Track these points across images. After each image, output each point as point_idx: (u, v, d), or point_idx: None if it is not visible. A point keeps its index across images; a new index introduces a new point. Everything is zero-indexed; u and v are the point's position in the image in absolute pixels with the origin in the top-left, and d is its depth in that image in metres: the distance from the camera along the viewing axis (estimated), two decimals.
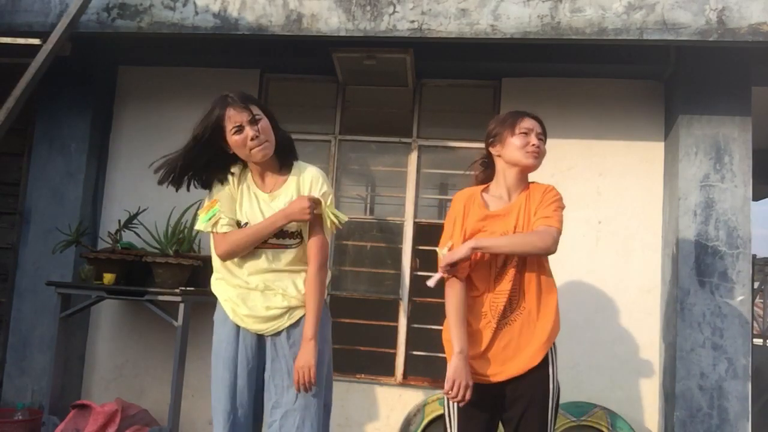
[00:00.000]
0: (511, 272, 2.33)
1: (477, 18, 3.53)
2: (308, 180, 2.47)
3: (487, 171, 2.54)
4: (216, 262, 2.55)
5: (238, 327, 2.49)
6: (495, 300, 2.33)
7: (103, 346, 4.40)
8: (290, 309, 2.44)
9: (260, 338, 2.48)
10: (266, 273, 2.45)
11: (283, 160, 2.48)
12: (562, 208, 2.39)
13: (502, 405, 2.34)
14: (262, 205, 2.46)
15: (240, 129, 2.34)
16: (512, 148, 2.39)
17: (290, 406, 2.38)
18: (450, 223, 2.45)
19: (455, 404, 2.36)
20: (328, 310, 2.62)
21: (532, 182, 2.47)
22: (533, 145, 2.37)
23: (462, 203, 2.44)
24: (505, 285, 2.33)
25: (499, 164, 2.45)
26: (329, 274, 2.60)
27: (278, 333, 2.44)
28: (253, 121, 2.35)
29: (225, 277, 2.55)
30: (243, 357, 2.47)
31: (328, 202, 2.46)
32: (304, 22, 3.67)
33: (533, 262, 2.35)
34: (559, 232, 2.31)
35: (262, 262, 2.45)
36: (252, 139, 2.34)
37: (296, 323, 2.45)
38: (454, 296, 2.37)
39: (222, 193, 2.49)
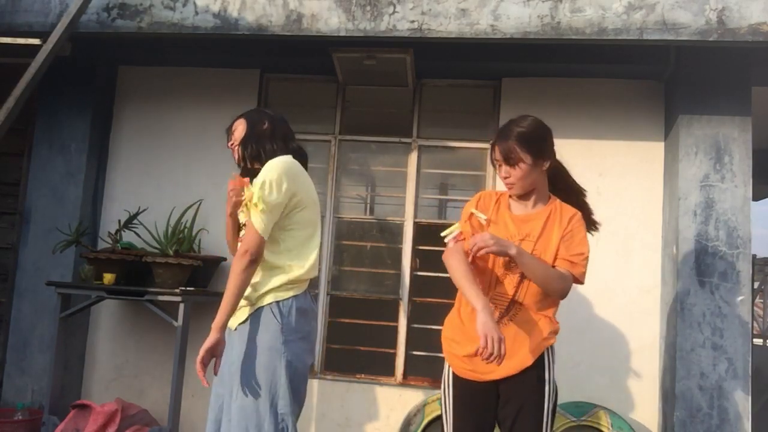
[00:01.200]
0: (515, 277, 2.32)
1: (477, 18, 3.53)
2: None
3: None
4: None
5: None
6: (495, 301, 2.33)
7: (103, 346, 4.40)
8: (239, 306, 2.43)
9: None
10: None
11: (253, 164, 2.57)
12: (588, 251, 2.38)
13: (497, 403, 2.34)
14: None
15: None
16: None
17: (233, 404, 2.38)
18: (468, 209, 2.44)
19: (451, 401, 2.37)
20: (276, 315, 2.39)
21: (556, 199, 2.43)
22: (503, 177, 2.36)
23: (488, 198, 2.44)
24: (509, 288, 2.31)
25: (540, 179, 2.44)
26: (291, 270, 2.43)
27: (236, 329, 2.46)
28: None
29: None
30: None
31: (257, 187, 2.38)
32: (304, 22, 3.67)
33: None
34: (574, 282, 2.33)
35: None
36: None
37: (244, 321, 2.42)
38: (457, 263, 2.29)
39: None
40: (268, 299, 2.40)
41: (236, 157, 2.61)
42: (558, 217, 2.37)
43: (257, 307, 2.41)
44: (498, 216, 2.40)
